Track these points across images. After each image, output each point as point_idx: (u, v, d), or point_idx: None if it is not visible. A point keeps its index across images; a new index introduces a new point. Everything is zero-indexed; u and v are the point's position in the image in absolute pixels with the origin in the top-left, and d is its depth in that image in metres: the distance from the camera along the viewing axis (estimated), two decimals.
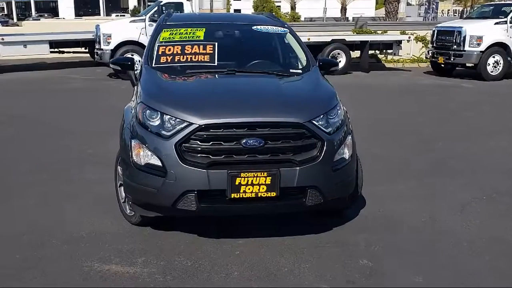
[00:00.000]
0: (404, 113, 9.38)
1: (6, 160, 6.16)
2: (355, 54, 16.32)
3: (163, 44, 4.69)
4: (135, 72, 5.04)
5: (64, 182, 5.32)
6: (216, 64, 4.52)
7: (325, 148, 3.64)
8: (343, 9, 37.32)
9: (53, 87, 12.50)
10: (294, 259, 3.66)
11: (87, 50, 17.91)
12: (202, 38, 4.78)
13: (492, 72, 14.63)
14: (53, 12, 53.71)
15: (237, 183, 3.48)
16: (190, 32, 4.82)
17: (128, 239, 3.97)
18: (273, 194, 3.54)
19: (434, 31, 15.95)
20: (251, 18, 5.59)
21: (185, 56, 4.55)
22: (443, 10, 46.99)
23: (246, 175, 3.47)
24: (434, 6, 25.47)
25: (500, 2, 17.15)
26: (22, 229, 4.14)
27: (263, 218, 4.30)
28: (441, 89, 12.82)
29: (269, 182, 3.50)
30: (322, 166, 3.63)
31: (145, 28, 14.04)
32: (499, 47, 14.57)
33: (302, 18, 35.30)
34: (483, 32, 14.55)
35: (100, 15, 45.21)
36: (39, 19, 32.46)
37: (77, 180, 5.39)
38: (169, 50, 4.61)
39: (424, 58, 17.61)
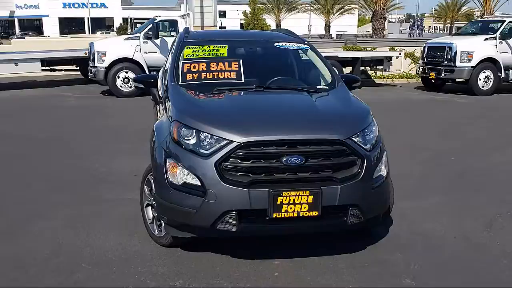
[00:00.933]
0: (405, 128, 9.43)
1: (20, 179, 5.99)
2: (347, 70, 16.45)
3: (188, 61, 4.63)
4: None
5: (85, 202, 5.18)
6: (243, 81, 4.48)
7: (365, 165, 3.59)
8: (327, 27, 37.73)
9: (49, 104, 12.34)
10: (335, 279, 3.58)
11: (78, 68, 17.81)
12: (226, 55, 4.74)
13: (483, 87, 14.85)
14: (37, 30, 53.27)
15: (279, 202, 3.40)
16: (213, 49, 4.77)
17: (159, 261, 3.85)
18: (315, 213, 3.47)
19: (424, 47, 16.18)
20: (271, 35, 5.57)
21: (211, 74, 4.49)
22: (424, 26, 47.81)
23: (288, 194, 3.40)
24: (419, 23, 25.91)
25: (488, 19, 17.49)
26: (50, 252, 4.00)
27: (293, 237, 4.22)
28: (435, 104, 12.96)
29: (311, 201, 3.44)
30: (362, 184, 3.58)
31: (140, 45, 13.99)
32: (489, 62, 14.82)
33: None
34: (474, 48, 14.79)
35: (85, 33, 44.97)
36: (24, 37, 32.10)
37: (98, 201, 5.25)
38: (194, 67, 4.55)
39: (414, 74, 17.86)
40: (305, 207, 3.44)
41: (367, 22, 57.13)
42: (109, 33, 38.71)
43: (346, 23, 39.14)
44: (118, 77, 13.90)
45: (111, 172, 6.34)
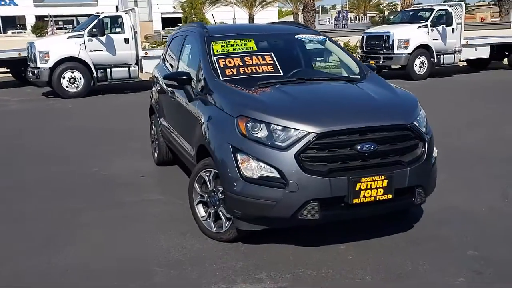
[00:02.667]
0: None
1: (21, 191, 5.65)
2: None
3: (221, 56, 4.60)
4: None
5: (111, 207, 5.02)
6: (282, 73, 4.54)
7: (426, 147, 3.82)
8: (251, 19, 38.08)
9: None
10: (406, 257, 3.78)
11: (8, 70, 16.81)
12: (255, 49, 4.77)
13: (419, 72, 15.84)
14: None
15: (357, 188, 3.54)
16: (241, 44, 4.78)
17: (230, 256, 3.86)
18: (390, 196, 3.65)
19: (363, 36, 16.93)
20: (288, 28, 5.62)
21: (249, 68, 4.50)
22: (348, 18, 49.32)
23: (366, 179, 3.55)
24: (344, 14, 26.90)
25: (418, 8, 18.59)
26: (109, 258, 3.87)
27: (341, 222, 4.34)
28: None
29: (386, 185, 3.61)
30: (425, 165, 3.81)
31: (85, 43, 13.43)
32: (423, 49, 15.81)
33: None
34: (409, 35, 15.72)
35: None
36: None
37: (120, 204, 5.10)
38: (230, 62, 4.54)
39: None
40: (380, 191, 3.61)
41: (284, 15, 58.30)
42: (21, 32, 36.52)
43: (268, 15, 39.62)
44: (64, 78, 13.29)
45: (114, 174, 6.14)
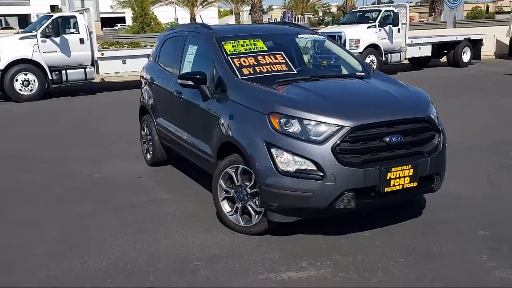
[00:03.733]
0: None
1: (22, 194, 5.50)
2: None
3: (235, 56, 4.73)
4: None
5: (123, 209, 5.02)
6: (295, 72, 4.73)
7: (441, 137, 4.15)
8: (193, 19, 37.90)
9: None
10: (428, 240, 4.08)
11: None
12: (265, 48, 4.93)
13: None
14: None
15: (388, 177, 3.81)
16: (250, 44, 4.93)
17: (264, 248, 4.00)
18: (415, 184, 3.95)
19: None
20: (288, 28, 5.80)
21: (264, 67, 4.66)
22: (293, 18, 50.01)
23: (395, 169, 3.82)
24: (289, 14, 27.43)
25: (366, 9, 19.34)
26: (148, 257, 3.91)
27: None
28: None
29: (411, 174, 3.90)
30: (441, 155, 4.14)
31: (38, 44, 12.99)
32: (372, 48, 16.52)
33: None
34: (359, 35, 16.37)
35: None
36: None
37: (131, 205, 5.10)
38: (244, 62, 4.68)
39: None
40: (407, 180, 3.89)
41: (223, 15, 58.50)
42: None
43: (208, 15, 39.65)
44: (17, 80, 12.81)
45: (109, 176, 6.10)
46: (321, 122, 3.78)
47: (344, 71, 5.07)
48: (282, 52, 4.89)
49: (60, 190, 5.67)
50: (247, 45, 4.91)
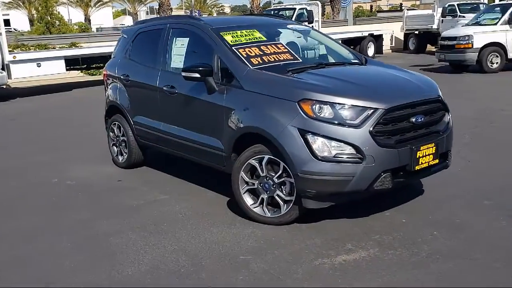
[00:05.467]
0: None
1: (6, 206, 4.95)
2: None
3: (240, 46, 4.64)
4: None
5: (124, 213, 4.74)
6: (300, 60, 4.75)
7: (450, 116, 4.41)
8: (87, 20, 36.30)
9: None
10: (446, 213, 4.32)
11: None
12: (264, 38, 4.90)
13: None
14: None
15: (417, 156, 3.98)
16: (248, 34, 4.87)
17: (301, 236, 3.98)
18: (436, 161, 4.17)
19: None
20: (273, 19, 5.77)
21: (270, 56, 4.61)
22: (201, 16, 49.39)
23: (423, 148, 4.00)
24: (196, 13, 27.23)
25: (281, 7, 19.79)
26: (187, 257, 3.73)
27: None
28: None
29: (434, 151, 4.11)
30: (451, 132, 4.40)
31: None
32: None
33: None
34: None
35: None
36: None
37: (135, 208, 4.82)
38: (250, 52, 4.60)
39: None
40: (431, 157, 4.10)
41: (115, 16, 56.42)
42: None
43: (102, 16, 38.10)
44: None
45: (84, 182, 5.72)
46: (355, 106, 3.85)
47: (341, 59, 5.15)
48: (282, 42, 4.88)
49: (40, 200, 5.18)
50: (245, 35, 4.85)
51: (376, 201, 4.55)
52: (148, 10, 55.75)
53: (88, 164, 6.44)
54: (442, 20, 22.68)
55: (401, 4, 37.20)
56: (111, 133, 6.28)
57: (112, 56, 6.46)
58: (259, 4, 24.93)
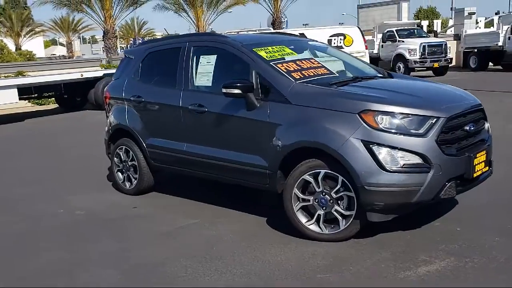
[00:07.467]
0: None
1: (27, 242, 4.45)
2: None
3: (277, 62, 4.53)
4: None
5: (164, 240, 4.45)
6: (337, 74, 4.71)
7: (488, 124, 4.52)
8: (18, 49, 34.75)
9: None
10: (499, 219, 4.40)
11: None
12: (296, 54, 4.84)
13: None
14: None
15: (474, 163, 4.01)
16: (279, 50, 4.79)
17: (364, 252, 3.87)
18: (487, 168, 4.24)
19: None
20: (292, 37, 5.69)
21: (308, 71, 4.51)
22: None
23: (479, 155, 4.06)
24: (140, 41, 26.79)
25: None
26: (264, 282, 3.51)
27: None
28: None
29: (485, 159, 4.18)
30: (491, 140, 4.49)
31: None
32: None
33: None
34: None
35: None
36: None
37: (172, 234, 4.51)
38: (288, 67, 4.49)
39: None
40: (483, 165, 4.15)
41: (45, 46, 54.33)
42: None
43: (34, 46, 36.53)
44: None
45: (94, 211, 5.33)
46: (418, 115, 3.83)
47: (368, 73, 5.14)
48: (313, 58, 4.84)
49: (53, 234, 4.72)
50: (277, 51, 4.76)
51: (418, 212, 4.53)
52: (81, 39, 54.32)
53: (87, 193, 6.02)
54: (382, 45, 23.82)
55: None
56: (115, 158, 5.90)
57: (114, 78, 6.11)
58: (204, 27, 24.98)
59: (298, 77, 4.41)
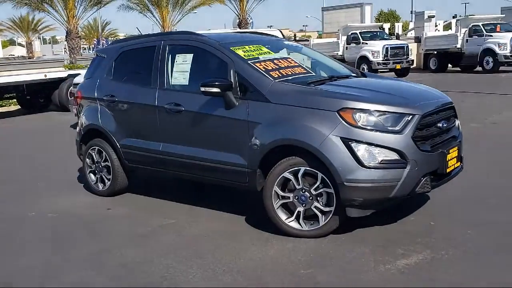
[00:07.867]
0: None
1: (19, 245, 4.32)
2: None
3: (255, 61, 4.55)
4: None
5: (144, 241, 4.40)
6: (314, 73, 4.78)
7: (459, 121, 4.67)
8: None
9: None
10: (469, 213, 4.55)
11: None
12: (273, 53, 4.88)
13: None
14: None
15: (447, 159, 4.15)
16: (257, 49, 4.82)
17: (345, 245, 3.95)
18: (458, 164, 4.39)
19: None
20: (268, 37, 5.70)
21: (286, 70, 4.55)
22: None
23: (452, 151, 4.19)
24: (104, 42, 26.39)
25: None
26: (247, 280, 3.53)
27: None
28: None
29: (457, 155, 4.32)
30: (462, 137, 4.64)
31: None
32: None
33: None
34: None
35: None
36: None
37: (152, 234, 4.47)
38: (266, 66, 4.52)
39: None
40: (455, 160, 4.29)
41: (3, 46, 52.71)
42: None
43: None
44: None
45: (68, 213, 5.19)
46: (394, 113, 3.93)
47: (342, 72, 5.22)
48: (290, 57, 4.89)
49: (29, 236, 4.61)
50: (255, 50, 4.78)
51: (393, 207, 4.65)
52: (41, 40, 52.94)
53: (57, 196, 5.87)
54: (347, 47, 24.21)
55: (295, 34, 39.00)
56: (87, 159, 5.80)
57: (85, 78, 6.01)
58: (170, 26, 24.80)
59: (277, 76, 4.44)
